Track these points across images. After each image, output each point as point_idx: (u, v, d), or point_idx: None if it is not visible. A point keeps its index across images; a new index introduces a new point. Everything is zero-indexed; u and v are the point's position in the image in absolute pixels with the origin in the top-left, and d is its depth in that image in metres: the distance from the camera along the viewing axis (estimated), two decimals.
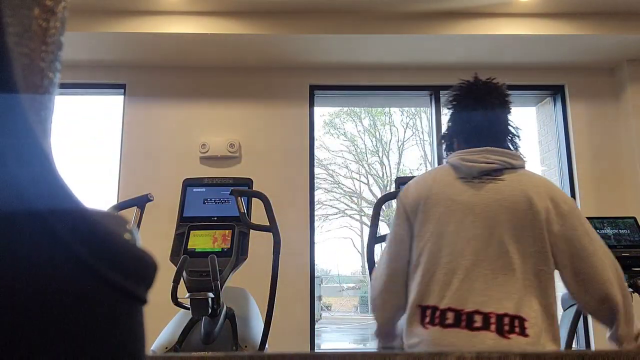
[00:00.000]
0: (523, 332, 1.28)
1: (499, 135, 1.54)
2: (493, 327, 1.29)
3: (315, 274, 4.09)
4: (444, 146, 1.66)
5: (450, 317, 1.33)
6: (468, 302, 1.32)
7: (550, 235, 1.36)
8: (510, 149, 1.55)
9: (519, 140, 1.58)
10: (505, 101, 1.57)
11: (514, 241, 1.35)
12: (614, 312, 1.32)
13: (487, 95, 1.56)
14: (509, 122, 1.57)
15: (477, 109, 1.55)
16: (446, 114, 1.68)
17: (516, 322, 1.29)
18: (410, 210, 1.49)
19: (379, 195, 14.66)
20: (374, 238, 2.54)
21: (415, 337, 1.39)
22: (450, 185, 1.47)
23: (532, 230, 1.36)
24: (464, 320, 1.31)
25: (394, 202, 2.58)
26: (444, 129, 1.69)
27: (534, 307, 1.31)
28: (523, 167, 1.49)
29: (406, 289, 1.47)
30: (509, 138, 1.56)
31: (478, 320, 1.30)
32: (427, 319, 1.36)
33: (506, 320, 1.29)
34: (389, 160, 15.27)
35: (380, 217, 2.71)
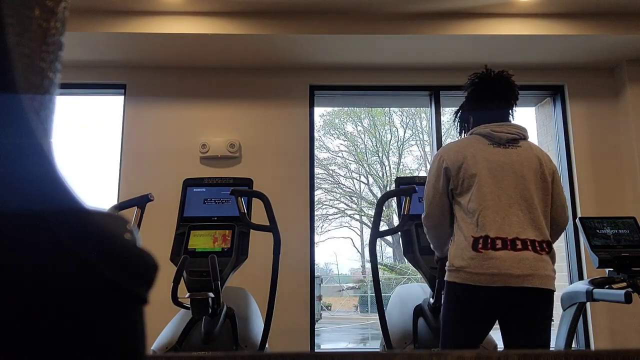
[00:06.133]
0: (549, 251, 1.88)
1: (507, 114, 2.08)
2: (530, 247, 1.84)
3: (315, 274, 4.09)
4: (457, 119, 2.18)
5: (499, 243, 1.83)
6: (510, 232, 1.84)
7: (551, 184, 1.98)
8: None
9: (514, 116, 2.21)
10: (512, 89, 2.08)
11: (533, 188, 1.92)
12: (563, 226, 2.04)
13: (499, 84, 2.06)
14: (513, 104, 2.10)
15: (492, 94, 2.07)
16: (464, 95, 2.15)
17: (544, 244, 1.87)
18: (451, 167, 1.97)
19: (379, 195, 14.64)
20: (377, 231, 2.66)
21: (466, 260, 1.85)
22: (484, 149, 1.98)
23: (543, 181, 1.95)
24: (509, 244, 1.83)
25: (393, 203, 2.87)
26: (460, 106, 2.19)
27: (549, 232, 1.92)
28: (528, 138, 2.08)
29: (444, 219, 2.01)
30: (512, 115, 2.12)
31: (519, 244, 1.83)
32: (480, 245, 1.84)
33: (536, 243, 1.85)
34: (388, 160, 15.26)
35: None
